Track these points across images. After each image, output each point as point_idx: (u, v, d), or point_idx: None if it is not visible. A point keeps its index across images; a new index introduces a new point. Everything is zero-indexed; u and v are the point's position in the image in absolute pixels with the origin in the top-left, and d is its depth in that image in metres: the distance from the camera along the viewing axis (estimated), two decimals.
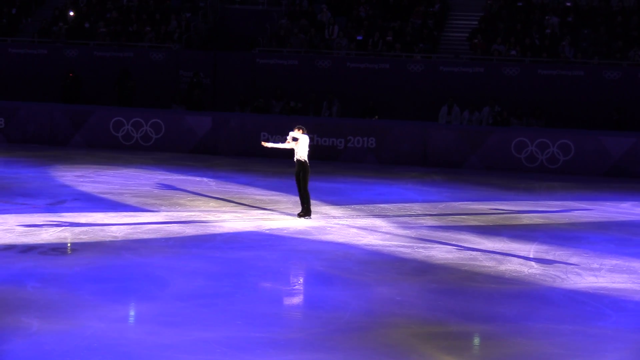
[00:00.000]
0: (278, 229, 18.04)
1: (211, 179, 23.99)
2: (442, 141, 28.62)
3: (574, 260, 16.09)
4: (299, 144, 18.94)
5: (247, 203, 20.66)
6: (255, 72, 33.47)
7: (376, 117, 31.41)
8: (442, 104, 31.41)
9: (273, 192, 22.23)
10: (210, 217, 18.85)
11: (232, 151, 29.07)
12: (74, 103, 32.64)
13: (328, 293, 13.39)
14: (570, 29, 33.83)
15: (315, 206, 19.95)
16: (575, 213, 21.12)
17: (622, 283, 14.58)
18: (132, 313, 12.48)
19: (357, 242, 17.03)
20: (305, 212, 18.95)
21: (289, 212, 19.74)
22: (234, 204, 20.46)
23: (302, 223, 18.60)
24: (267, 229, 17.92)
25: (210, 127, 29.37)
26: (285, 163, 27.62)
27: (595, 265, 15.74)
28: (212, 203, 20.55)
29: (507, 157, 28.06)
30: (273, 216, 19.26)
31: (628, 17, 33.93)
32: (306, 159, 19.01)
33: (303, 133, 18.93)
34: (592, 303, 13.32)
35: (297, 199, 19.33)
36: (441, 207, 21.22)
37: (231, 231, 17.55)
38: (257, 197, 21.54)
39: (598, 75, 31.80)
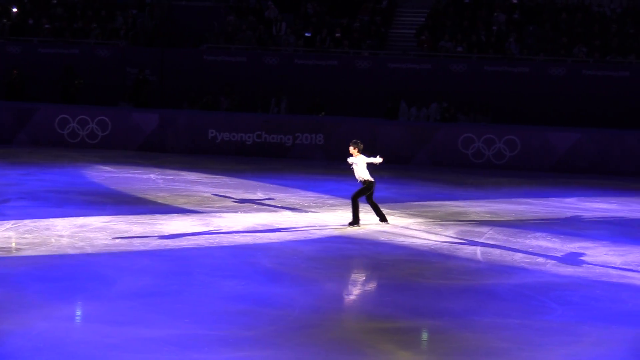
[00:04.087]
0: (226, 226, 17.97)
1: (159, 177, 23.84)
2: (389, 137, 28.71)
3: (520, 255, 16.23)
4: (357, 168, 18.36)
5: (195, 201, 20.57)
6: (203, 68, 33.32)
7: (323, 113, 31.42)
8: (390, 100, 31.49)
9: (221, 190, 22.15)
10: (157, 215, 18.74)
11: (180, 148, 28.94)
12: (18, 100, 32.26)
13: (276, 290, 13.37)
14: (516, 26, 34.11)
15: (265, 203, 19.92)
16: (522, 208, 21.31)
17: (567, 277, 14.73)
18: (78, 312, 12.37)
19: (306, 239, 17.03)
20: (354, 221, 18.24)
21: (236, 209, 19.68)
22: (182, 202, 20.36)
23: (250, 220, 18.55)
24: (215, 227, 17.85)
25: (157, 124, 29.21)
26: (233, 160, 27.59)
27: (541, 260, 15.89)
28: (160, 201, 20.43)
29: (454, 153, 28.24)
30: (221, 213, 19.19)
31: (572, 14, 34.29)
32: (368, 178, 18.30)
33: (358, 151, 18.37)
34: (538, 297, 13.44)
35: (244, 195, 19.28)
36: (389, 203, 21.28)
37: (178, 229, 17.45)
38: (205, 194, 21.45)
39: (543, 72, 32.10)
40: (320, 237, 17.30)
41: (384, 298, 13.17)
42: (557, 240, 17.71)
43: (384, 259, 15.64)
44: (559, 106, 31.54)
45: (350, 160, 18.46)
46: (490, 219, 19.71)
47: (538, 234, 18.19)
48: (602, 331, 11.89)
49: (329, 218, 19.15)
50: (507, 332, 11.69)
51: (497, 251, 16.49)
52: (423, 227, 18.63)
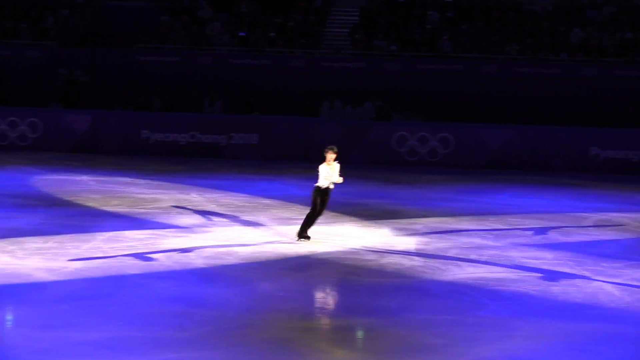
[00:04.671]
0: (160, 227, 17.84)
1: (91, 179, 23.59)
2: (324, 136, 28.72)
3: (453, 252, 16.34)
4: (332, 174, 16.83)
5: (128, 202, 20.38)
6: (136, 69, 33.05)
7: (257, 113, 31.35)
8: (324, 99, 31.54)
9: (154, 191, 21.99)
10: (89, 217, 18.53)
11: (113, 149, 28.67)
12: None
13: (211, 291, 13.30)
14: (449, 24, 34.35)
15: (199, 204, 19.81)
16: (455, 205, 21.45)
17: (500, 273, 14.86)
18: (9, 317, 12.17)
19: (240, 239, 16.96)
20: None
21: (170, 210, 19.55)
22: (115, 203, 20.16)
23: (184, 221, 18.43)
24: (149, 228, 17.70)
25: (89, 125, 28.91)
26: (166, 161, 27.40)
27: (474, 257, 16.01)
28: (92, 203, 20.22)
29: (388, 151, 28.37)
30: (154, 214, 19.04)
31: (505, 12, 34.62)
32: (321, 185, 16.76)
33: (332, 154, 16.81)
34: (471, 293, 13.54)
35: (178, 196, 19.15)
36: None
37: (111, 231, 17.28)
38: (139, 195, 21.27)
39: (476, 70, 32.37)
40: (254, 236, 17.24)
41: (318, 297, 13.16)
42: (490, 236, 17.87)
43: (318, 258, 15.63)
44: (492, 103, 31.81)
45: (326, 168, 16.75)
46: (425, 217, 19.81)
47: (471, 231, 18.32)
48: (534, 325, 12.01)
49: (263, 218, 19.10)
50: (441, 329, 11.76)
51: (430, 248, 16.59)
52: (357, 225, 18.67)
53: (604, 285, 14.19)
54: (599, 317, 12.48)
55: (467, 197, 22.66)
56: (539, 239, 17.79)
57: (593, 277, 14.68)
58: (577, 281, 14.43)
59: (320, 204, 16.81)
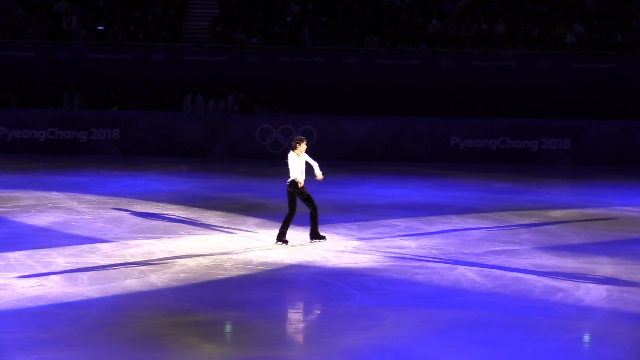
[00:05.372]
0: (19, 225, 17.39)
1: None
2: (187, 131, 28.53)
3: (318, 243, 16.39)
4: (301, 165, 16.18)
5: None
6: None
7: (116, 107, 30.84)
8: (186, 93, 31.27)
9: (14, 190, 21.43)
10: None
11: None
12: None
13: (73, 290, 13.02)
14: (309, 17, 34.50)
15: (60, 202, 19.39)
16: (320, 197, 21.49)
17: (365, 263, 15.00)
18: None
19: (103, 236, 16.68)
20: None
21: (30, 208, 19.08)
22: None
23: (45, 219, 18.01)
24: (8, 227, 17.24)
25: None
26: (25, 158, 26.74)
27: (340, 247, 16.11)
28: None
29: (252, 144, 28.34)
30: (14, 213, 18.55)
31: (364, 4, 34.97)
32: (293, 178, 16.09)
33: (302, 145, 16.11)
34: (337, 284, 13.62)
35: (38, 193, 18.70)
36: (188, 196, 21.14)
37: None
38: None
39: (337, 62, 32.61)
40: (118, 233, 16.97)
41: (184, 292, 13.04)
42: (354, 227, 18.02)
43: (183, 252, 15.49)
44: (354, 95, 32.11)
45: (297, 159, 16.10)
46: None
47: (336, 222, 18.44)
48: (400, 314, 12.16)
49: (126, 214, 18.82)
50: (309, 320, 11.78)
51: (296, 240, 16.61)
52: (222, 219, 18.58)
53: (466, 272, 14.48)
54: (462, 304, 12.72)
55: (331, 189, 22.78)
56: (402, 228, 18.03)
57: (456, 265, 14.96)
58: (441, 269, 14.68)
59: (306, 201, 16.15)
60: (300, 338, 11.09)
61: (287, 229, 16.23)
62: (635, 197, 22.59)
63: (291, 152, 16.23)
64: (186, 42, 34.08)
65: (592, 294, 13.40)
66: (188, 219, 18.45)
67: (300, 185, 16.09)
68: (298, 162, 16.20)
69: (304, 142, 16.35)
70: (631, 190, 23.67)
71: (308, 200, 16.30)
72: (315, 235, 16.37)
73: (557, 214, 19.86)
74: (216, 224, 17.97)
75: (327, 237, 16.53)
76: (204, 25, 34.82)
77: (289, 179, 16.21)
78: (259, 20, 34.14)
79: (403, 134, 28.73)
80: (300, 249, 15.94)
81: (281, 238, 16.20)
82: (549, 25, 34.55)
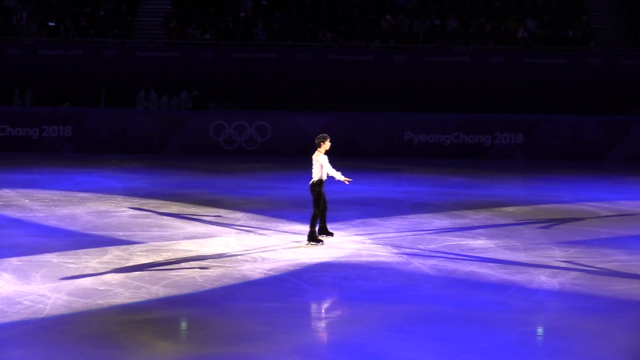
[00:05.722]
0: None
1: None
2: (140, 127, 28.37)
3: (273, 239, 16.39)
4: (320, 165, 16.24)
5: None
6: None
7: (67, 104, 30.59)
8: (139, 89, 31.11)
9: None
10: None
11: None
12: None
13: (26, 288, 12.89)
14: (263, 13, 34.44)
15: (11, 200, 19.18)
16: (274, 193, 21.54)
17: (320, 259, 15.00)
18: None
19: (57, 234, 16.53)
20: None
21: None
22: None
23: None
24: None
25: None
26: None
27: (294, 243, 16.11)
28: None
29: (206, 140, 28.24)
30: None
31: (317, 0, 34.97)
32: (320, 178, 16.20)
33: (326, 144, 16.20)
34: (292, 280, 13.62)
35: None
36: (142, 193, 21.02)
37: None
38: None
39: (290, 57, 32.59)
40: (70, 230, 16.84)
41: (138, 289, 12.95)
42: (307, 222, 17.97)
43: (137, 249, 15.39)
44: (308, 91, 32.13)
45: (318, 157, 16.22)
46: (244, 205, 19.80)
47: (291, 218, 18.43)
48: (355, 309, 12.18)
49: (79, 210, 18.67)
50: (263, 316, 11.77)
51: (251, 237, 16.59)
52: (176, 215, 18.49)
53: (420, 267, 14.54)
54: (417, 299, 12.76)
55: (285, 185, 22.79)
56: (357, 223, 18.06)
57: (410, 260, 15.01)
58: (395, 264, 14.72)
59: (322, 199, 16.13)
60: (256, 335, 11.07)
61: (316, 227, 16.03)
62: (587, 191, 22.83)
63: (317, 151, 16.26)
64: (139, 38, 33.88)
65: (545, 287, 13.52)
66: (142, 215, 18.34)
67: (323, 182, 16.11)
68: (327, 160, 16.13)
69: (328, 140, 16.36)
70: (583, 184, 23.91)
71: (323, 199, 16.25)
72: (314, 238, 15.98)
73: (510, 208, 20.01)
74: (170, 221, 17.88)
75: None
76: (157, 21, 34.64)
77: (316, 179, 16.18)
78: (212, 16, 34.03)
79: (357, 129, 28.78)
80: (255, 245, 15.91)
81: (315, 238, 15.90)
82: (501, 21, 34.80)
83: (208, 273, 13.97)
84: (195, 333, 11.35)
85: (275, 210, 19.31)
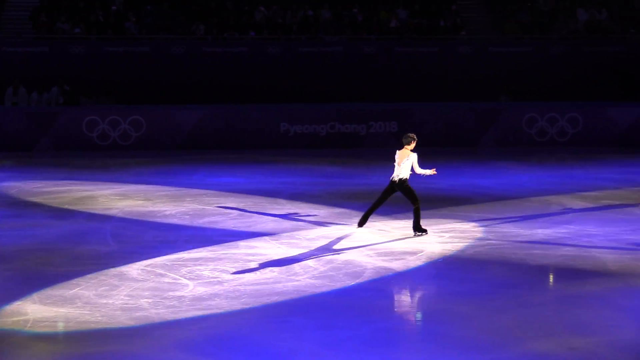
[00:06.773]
0: None
1: None
2: (9, 124, 27.72)
3: (150, 234, 16.22)
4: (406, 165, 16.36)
5: None
6: None
7: None
8: (8, 85, 30.35)
9: None
10: None
11: None
12: None
13: None
14: (134, 5, 33.98)
15: None
16: (151, 188, 21.31)
17: (197, 253, 14.88)
18: None
19: None
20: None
21: None
22: None
23: None
24: None
25: None
26: None
27: (172, 238, 15.96)
28: None
29: (79, 136, 27.78)
30: None
31: None
32: (404, 177, 16.34)
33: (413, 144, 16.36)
34: (170, 275, 13.48)
35: None
36: (12, 192, 20.53)
37: None
38: None
39: (164, 50, 32.25)
40: None
41: (10, 290, 12.63)
42: (187, 217, 17.88)
43: (8, 249, 15.02)
44: (183, 84, 31.86)
45: (403, 157, 16.29)
46: (120, 201, 19.54)
47: (167, 212, 18.27)
48: (234, 302, 12.12)
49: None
50: (141, 312, 11.62)
51: (127, 232, 16.38)
52: (50, 214, 18.13)
53: (299, 257, 14.56)
54: (296, 289, 12.77)
55: (162, 179, 22.58)
56: (234, 216, 18.00)
57: (288, 250, 15.02)
58: (273, 255, 14.72)
59: (385, 195, 16.45)
60: (133, 332, 10.92)
61: (420, 218, 16.11)
62: (459, 176, 23.23)
63: (405, 148, 16.36)
64: (6, 33, 33.04)
65: (422, 273, 13.71)
66: (13, 215, 17.92)
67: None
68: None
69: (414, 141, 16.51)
70: (455, 169, 24.32)
71: (386, 197, 16.43)
72: (420, 228, 16.15)
73: None
74: (44, 221, 17.51)
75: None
76: (25, 15, 33.83)
77: (406, 176, 16.34)
78: (82, 10, 33.41)
79: (233, 121, 28.69)
80: (133, 241, 15.71)
81: (419, 229, 16.08)
82: (374, 11, 35.10)
83: (84, 271, 13.70)
84: (71, 332, 11.11)
85: (152, 205, 19.10)
